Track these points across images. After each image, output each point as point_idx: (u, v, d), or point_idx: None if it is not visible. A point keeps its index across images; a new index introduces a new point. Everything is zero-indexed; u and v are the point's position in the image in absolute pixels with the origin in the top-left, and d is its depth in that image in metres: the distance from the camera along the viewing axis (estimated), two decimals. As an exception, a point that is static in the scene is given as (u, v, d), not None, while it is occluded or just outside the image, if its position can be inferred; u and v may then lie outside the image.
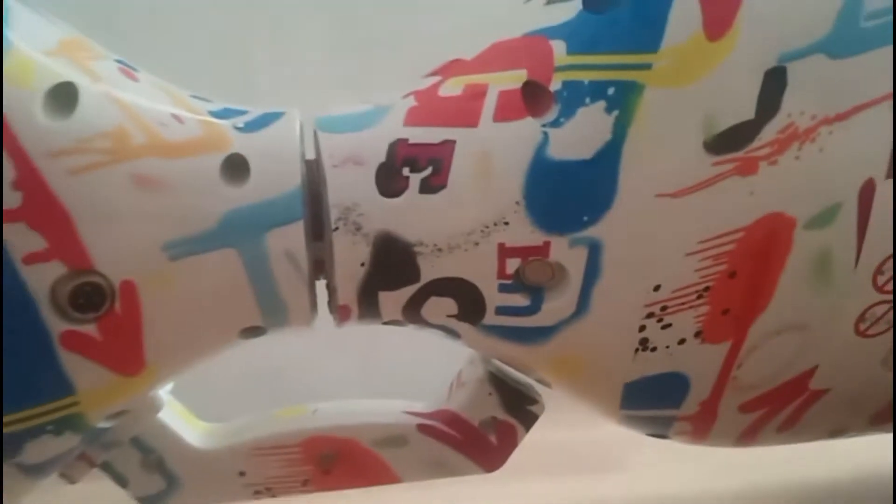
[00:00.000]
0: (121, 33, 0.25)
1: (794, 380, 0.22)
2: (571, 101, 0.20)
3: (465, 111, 0.21)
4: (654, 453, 0.32)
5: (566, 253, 0.20)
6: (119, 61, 0.20)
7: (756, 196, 0.20)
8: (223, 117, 0.21)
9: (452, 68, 0.22)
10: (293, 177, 0.20)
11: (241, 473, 0.24)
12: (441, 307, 0.22)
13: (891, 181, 0.20)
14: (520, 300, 0.21)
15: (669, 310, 0.21)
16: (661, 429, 0.24)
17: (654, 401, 0.23)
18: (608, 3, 0.20)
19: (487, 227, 0.21)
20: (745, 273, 0.20)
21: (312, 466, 0.24)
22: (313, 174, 0.21)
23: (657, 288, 0.21)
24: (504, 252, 0.21)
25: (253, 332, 0.21)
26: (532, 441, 0.28)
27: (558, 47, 0.20)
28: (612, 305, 0.21)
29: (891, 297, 0.21)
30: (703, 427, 0.24)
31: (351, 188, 0.21)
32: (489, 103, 0.21)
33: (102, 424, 0.22)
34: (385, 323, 0.23)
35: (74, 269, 0.19)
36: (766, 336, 0.21)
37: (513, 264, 0.21)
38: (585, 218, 0.20)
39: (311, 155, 0.22)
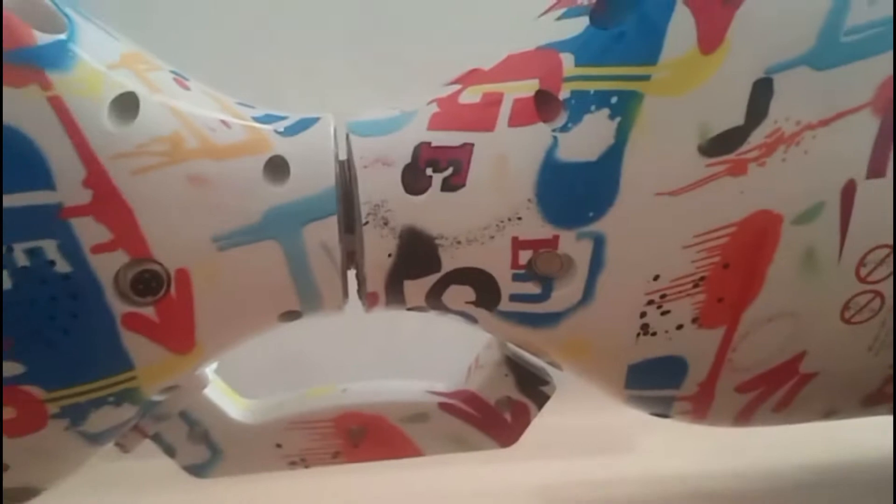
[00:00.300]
0: (152, 34, 0.26)
1: (785, 363, 0.24)
2: (578, 108, 0.21)
3: (482, 117, 0.22)
4: (663, 436, 0.34)
5: (573, 245, 0.22)
6: (173, 72, 0.22)
7: (746, 194, 0.21)
8: (265, 122, 0.22)
9: (472, 77, 0.23)
10: (328, 177, 0.22)
11: (278, 445, 0.26)
12: (460, 294, 0.23)
13: (870, 181, 0.21)
14: (531, 288, 0.23)
15: (668, 298, 0.22)
16: (663, 408, 0.26)
17: (656, 382, 0.24)
18: (613, 20, 0.21)
19: (502, 221, 0.22)
20: (738, 264, 0.22)
21: (343, 440, 0.26)
22: (345, 174, 0.23)
23: (656, 277, 0.22)
24: (517, 245, 0.22)
25: (291, 315, 0.23)
26: (550, 424, 0.29)
27: (567, 59, 0.22)
28: (616, 293, 0.22)
29: (874, 287, 0.22)
30: (702, 406, 0.25)
31: (379, 187, 0.22)
32: (504, 110, 0.22)
33: (155, 398, 0.24)
34: (409, 309, 0.24)
35: (136, 258, 0.21)
36: (758, 322, 0.23)
37: (525, 256, 0.22)
38: (591, 214, 0.22)
39: (343, 156, 0.23)
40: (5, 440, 0.21)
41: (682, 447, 0.34)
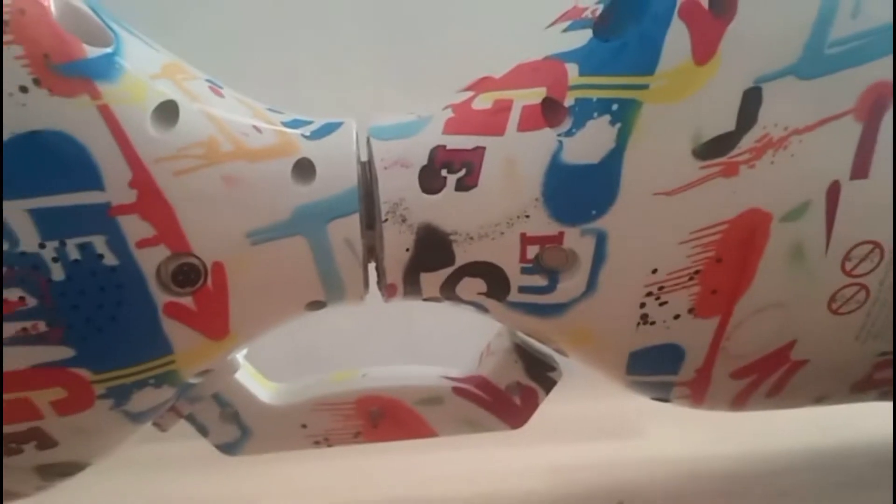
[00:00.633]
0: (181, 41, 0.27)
1: (776, 351, 0.25)
2: (582, 114, 0.23)
3: (493, 122, 0.23)
4: (669, 422, 0.35)
5: (577, 241, 0.23)
6: (208, 80, 0.24)
7: (738, 194, 0.22)
8: (293, 127, 0.24)
9: (483, 84, 0.25)
10: (351, 177, 0.23)
11: (304, 426, 0.27)
12: (472, 286, 0.25)
13: (854, 182, 0.22)
14: (539, 280, 0.24)
15: (666, 289, 0.24)
16: (662, 393, 0.27)
17: (656, 368, 0.26)
18: (614, 32, 0.23)
19: (511, 219, 0.23)
20: (730, 259, 0.23)
21: (363, 421, 0.28)
22: (367, 174, 0.24)
23: (655, 271, 0.23)
24: (525, 240, 0.24)
25: (316, 305, 0.25)
26: (561, 411, 0.30)
27: (572, 69, 0.23)
28: (617, 285, 0.24)
29: (859, 280, 0.24)
30: (699, 391, 0.26)
31: (398, 186, 0.23)
32: (514, 116, 0.23)
33: (191, 380, 0.25)
34: (425, 299, 0.26)
35: (176, 252, 0.22)
36: (750, 313, 0.24)
37: (532, 250, 0.24)
38: (594, 212, 0.23)
39: (364, 158, 0.25)
40: (57, 419, 0.23)
41: (687, 434, 0.35)
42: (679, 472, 0.33)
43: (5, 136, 0.20)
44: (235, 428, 0.27)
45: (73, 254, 0.21)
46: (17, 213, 0.21)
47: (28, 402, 0.22)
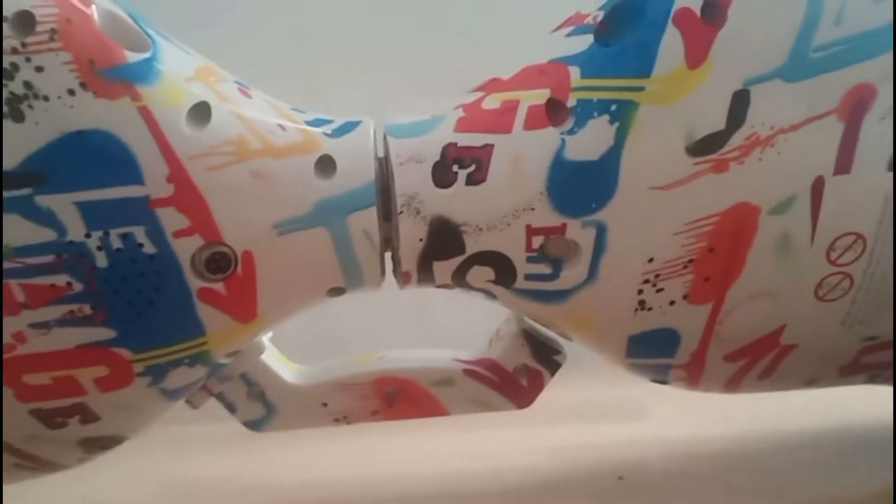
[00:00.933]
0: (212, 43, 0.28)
1: (767, 335, 0.26)
2: (583, 114, 0.24)
3: (501, 121, 0.25)
4: (673, 406, 0.36)
5: (579, 232, 0.25)
6: (237, 82, 0.25)
7: (728, 189, 0.24)
8: (315, 125, 0.25)
9: (492, 85, 0.26)
10: (369, 173, 0.25)
11: (324, 404, 0.29)
12: (482, 274, 0.26)
13: (837, 177, 0.24)
14: (543, 269, 0.25)
15: (662, 277, 0.25)
16: (660, 375, 0.28)
17: (653, 351, 0.27)
18: (613, 38, 0.24)
19: (518, 211, 0.25)
20: (721, 249, 0.24)
21: (380, 400, 0.29)
22: (384, 170, 0.26)
23: (651, 260, 0.25)
24: (531, 231, 0.25)
25: (337, 291, 0.26)
26: (566, 396, 0.32)
27: (574, 72, 0.24)
28: (616, 273, 0.25)
29: (843, 269, 0.25)
30: (694, 374, 0.28)
31: (413, 181, 0.25)
32: (520, 115, 0.25)
33: (221, 360, 0.27)
34: (437, 286, 0.27)
35: (209, 242, 0.24)
36: (741, 299, 0.25)
37: (537, 241, 0.25)
38: (594, 205, 0.24)
39: (381, 154, 0.26)
40: (100, 395, 0.25)
41: (690, 417, 0.36)
42: (678, 452, 0.34)
43: (55, 136, 0.22)
44: (261, 406, 0.29)
45: (116, 243, 0.23)
46: (66, 205, 0.22)
47: (73, 379, 0.24)
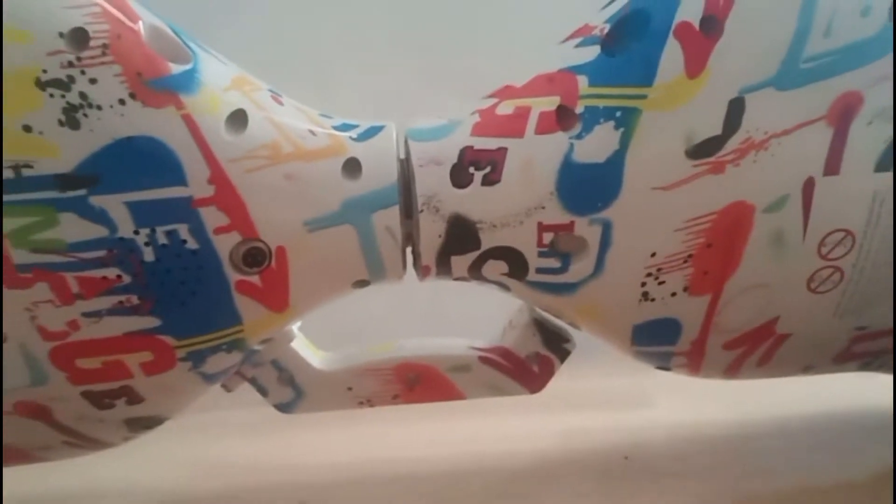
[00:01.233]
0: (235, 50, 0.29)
1: (763, 325, 0.27)
2: (590, 120, 0.26)
3: (514, 126, 0.26)
4: (678, 394, 0.38)
5: (586, 229, 0.26)
6: (270, 90, 0.27)
7: (725, 189, 0.25)
8: (342, 130, 0.27)
9: (506, 92, 0.27)
10: (392, 174, 0.26)
11: (349, 388, 0.31)
12: (496, 267, 0.27)
13: (827, 178, 0.25)
14: (553, 263, 0.27)
15: (663, 271, 0.26)
16: (663, 362, 0.30)
17: (656, 339, 0.28)
18: (619, 49, 0.26)
19: (529, 210, 0.26)
20: (719, 244, 0.26)
21: (401, 385, 0.31)
22: (405, 171, 0.27)
23: (654, 255, 0.26)
24: (541, 228, 0.26)
25: (361, 284, 0.28)
26: (580, 384, 0.33)
27: (582, 80, 0.26)
28: (621, 267, 0.26)
29: (833, 263, 0.26)
30: (696, 361, 0.29)
31: (432, 182, 0.26)
32: (532, 121, 0.26)
33: (255, 347, 0.29)
34: (455, 279, 0.28)
35: (246, 238, 0.25)
36: (738, 291, 0.27)
37: (548, 237, 0.26)
38: (600, 204, 0.26)
39: (402, 156, 0.28)
40: (145, 378, 0.26)
41: (694, 404, 0.38)
42: (681, 435, 0.36)
43: (108, 141, 0.24)
44: (291, 390, 0.31)
45: (162, 239, 0.25)
46: (117, 204, 0.24)
47: (121, 363, 0.26)
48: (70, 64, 0.24)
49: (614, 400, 0.42)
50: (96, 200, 0.24)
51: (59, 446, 0.28)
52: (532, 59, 0.28)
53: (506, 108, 0.27)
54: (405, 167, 0.27)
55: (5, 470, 0.30)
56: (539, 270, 0.27)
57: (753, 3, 0.25)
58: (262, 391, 0.31)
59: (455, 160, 0.26)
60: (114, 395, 0.27)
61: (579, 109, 0.26)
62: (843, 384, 0.33)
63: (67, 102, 0.24)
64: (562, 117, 0.26)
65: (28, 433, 0.27)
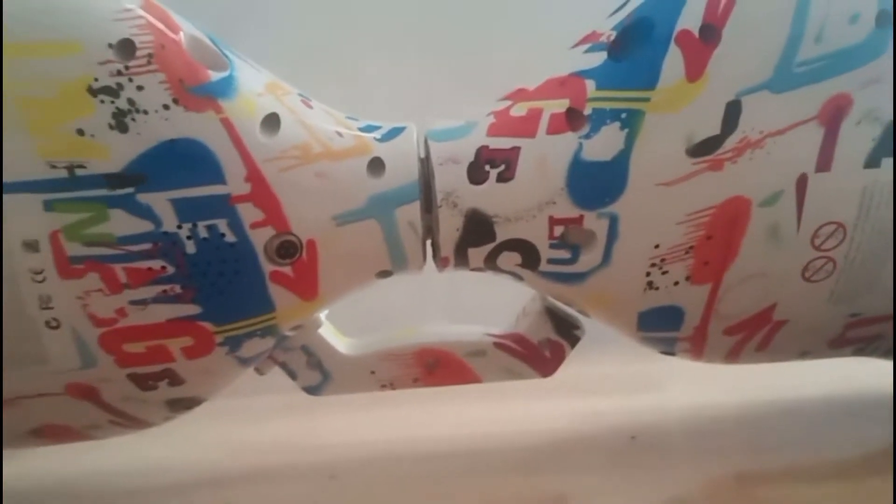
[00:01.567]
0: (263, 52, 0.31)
1: (761, 312, 0.29)
2: (598, 121, 0.27)
3: (527, 127, 0.28)
4: (684, 379, 0.39)
5: (595, 222, 0.27)
6: (300, 94, 0.29)
7: (723, 185, 0.26)
8: (367, 131, 0.29)
9: (519, 95, 0.29)
10: (413, 172, 0.28)
11: (373, 372, 0.32)
12: (510, 259, 0.29)
13: (819, 174, 0.26)
14: (563, 254, 0.28)
15: (667, 261, 0.28)
16: (668, 347, 0.31)
17: (661, 325, 0.30)
18: (624, 56, 0.27)
19: (541, 205, 0.27)
20: (718, 236, 0.27)
21: (421, 369, 0.32)
22: (425, 169, 0.29)
23: (657, 246, 0.27)
24: (553, 221, 0.28)
25: (385, 274, 0.29)
26: (589, 369, 0.34)
27: (590, 84, 0.27)
28: (627, 258, 0.28)
29: (826, 254, 0.27)
30: (698, 346, 0.30)
31: (450, 179, 0.28)
32: (544, 122, 0.28)
33: (287, 333, 0.31)
34: (472, 270, 0.30)
35: (280, 232, 0.27)
36: (737, 280, 0.28)
37: (559, 230, 0.28)
38: (607, 199, 0.27)
39: (423, 155, 0.29)
40: (185, 361, 0.28)
41: (700, 389, 0.38)
42: (687, 417, 0.37)
43: (153, 144, 0.26)
44: (318, 373, 0.32)
45: (203, 233, 0.26)
46: (161, 201, 0.26)
47: (164, 348, 0.28)
48: (119, 72, 0.26)
49: (623, 384, 0.43)
50: (143, 198, 0.26)
51: (106, 425, 0.30)
52: (545, 62, 0.29)
53: (519, 109, 0.28)
54: (425, 165, 0.29)
55: (52, 448, 0.32)
56: (550, 261, 0.29)
57: (749, 12, 0.26)
58: (292, 374, 0.32)
59: (472, 159, 0.28)
60: (157, 377, 0.29)
61: (587, 111, 0.27)
62: (844, 368, 0.34)
63: (117, 108, 0.26)
64: (571, 119, 0.27)
65: (78, 413, 0.29)
